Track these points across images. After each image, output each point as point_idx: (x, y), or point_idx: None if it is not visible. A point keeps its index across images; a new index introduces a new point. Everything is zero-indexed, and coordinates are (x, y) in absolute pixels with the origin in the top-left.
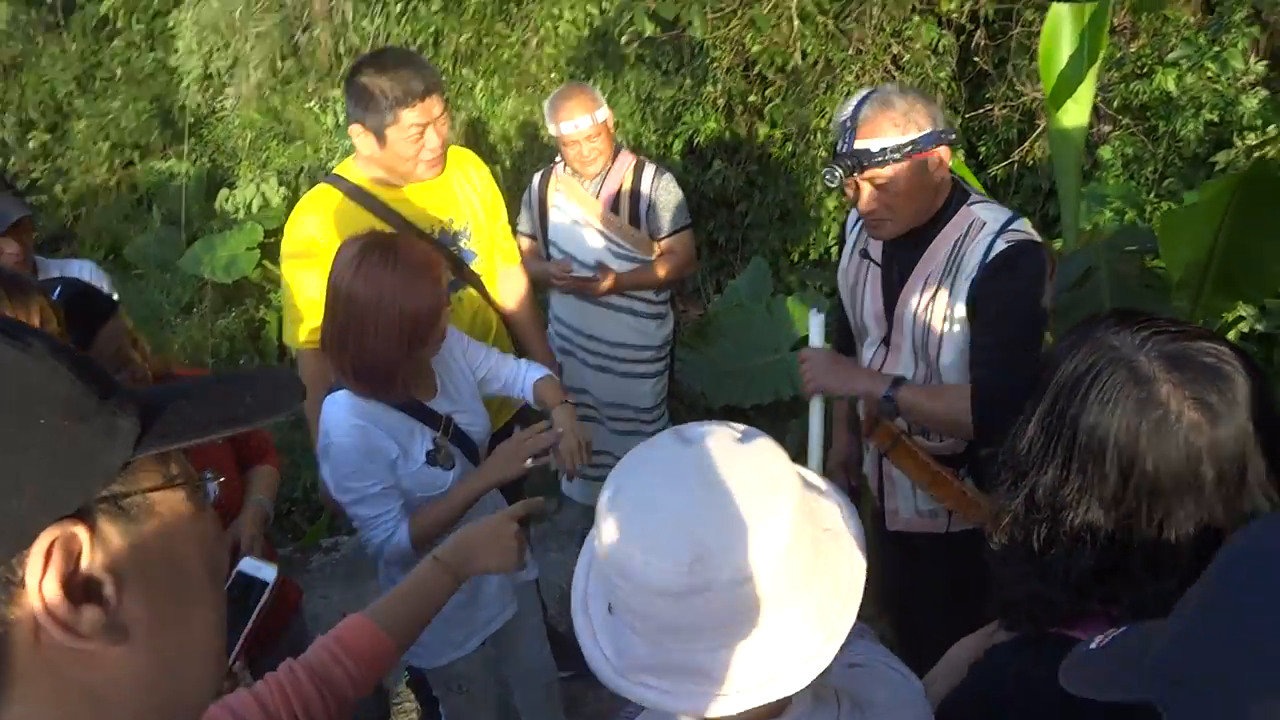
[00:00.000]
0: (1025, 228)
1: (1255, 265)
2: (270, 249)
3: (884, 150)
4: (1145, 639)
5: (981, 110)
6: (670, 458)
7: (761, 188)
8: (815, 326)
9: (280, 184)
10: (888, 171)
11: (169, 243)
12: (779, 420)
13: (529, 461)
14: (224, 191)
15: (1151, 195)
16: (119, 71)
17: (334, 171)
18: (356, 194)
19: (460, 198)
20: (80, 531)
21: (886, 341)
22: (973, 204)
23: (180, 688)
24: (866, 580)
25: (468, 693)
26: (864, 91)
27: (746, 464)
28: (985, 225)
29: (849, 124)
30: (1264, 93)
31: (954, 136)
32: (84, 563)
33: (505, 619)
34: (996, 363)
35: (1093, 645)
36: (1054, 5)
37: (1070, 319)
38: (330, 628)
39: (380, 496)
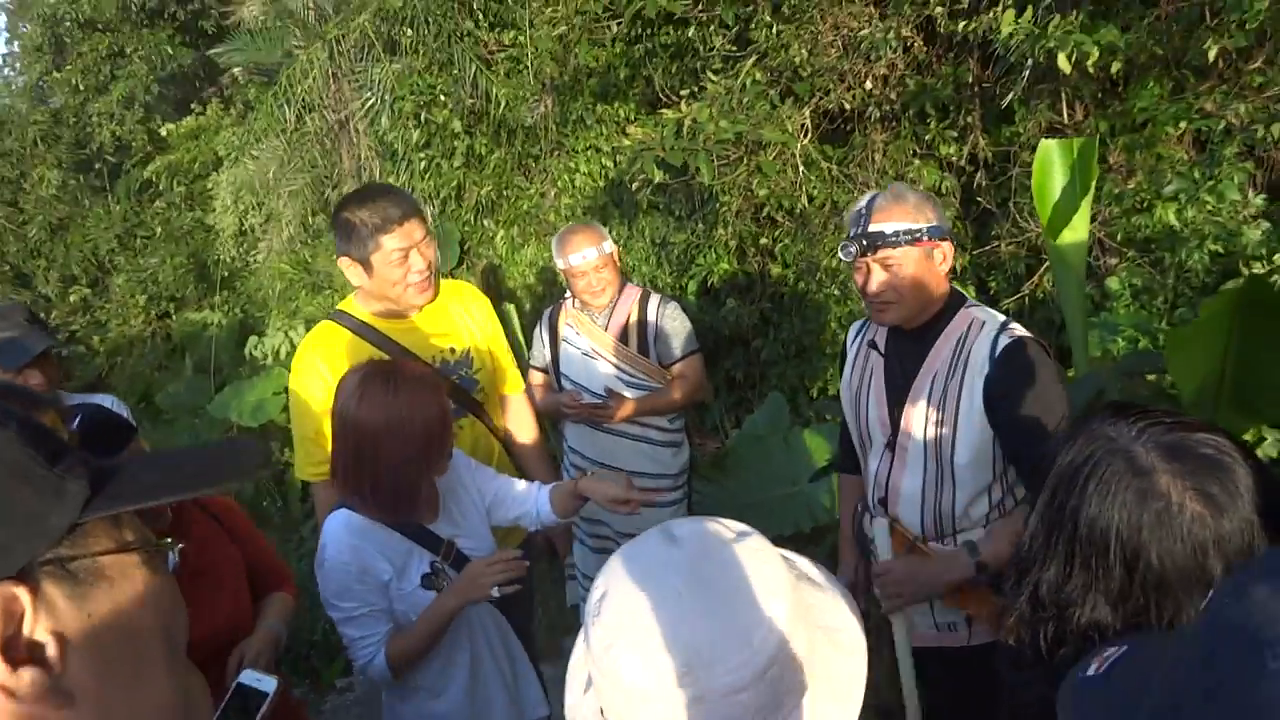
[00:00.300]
0: (1021, 328)
1: (1270, 384)
2: None
3: (896, 233)
4: (1146, 673)
5: (988, 247)
6: (658, 559)
7: (776, 325)
8: (881, 536)
9: (307, 330)
10: (898, 254)
11: (199, 389)
12: (801, 549)
13: (495, 590)
14: (253, 339)
15: (1164, 323)
16: (159, 230)
17: (338, 308)
18: (358, 328)
19: (460, 326)
20: (21, 593)
21: (891, 446)
22: (970, 307)
23: None
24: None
25: None
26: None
27: (736, 566)
28: (985, 324)
29: (864, 211)
30: (1266, 224)
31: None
32: (25, 625)
33: None
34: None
35: (1091, 671)
36: (1043, 141)
37: None
38: None
39: (368, 619)
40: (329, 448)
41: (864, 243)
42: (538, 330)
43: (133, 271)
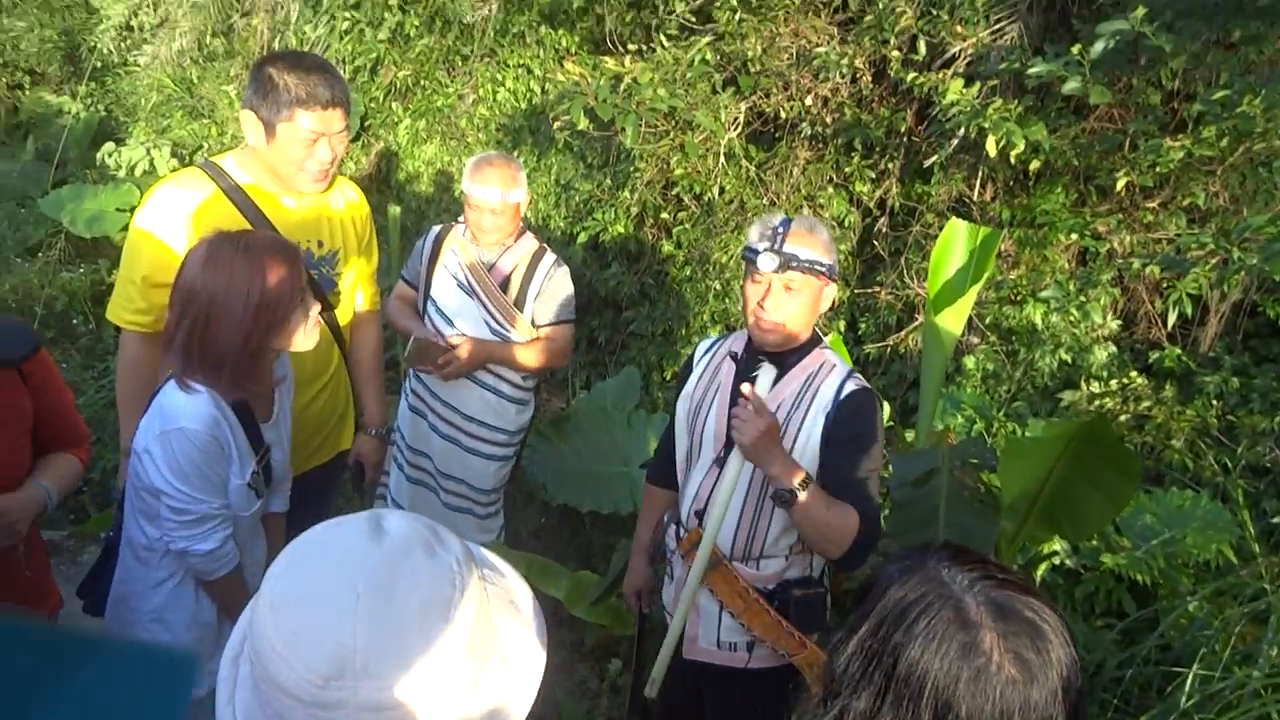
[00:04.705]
0: (863, 380)
1: (1078, 510)
2: None
3: (811, 262)
4: None
5: (870, 290)
6: (355, 550)
7: (653, 300)
8: (765, 378)
9: (174, 155)
10: (801, 280)
11: (35, 179)
12: (613, 533)
13: None
14: (109, 145)
15: (1001, 413)
16: None
17: (211, 159)
18: (230, 189)
19: (336, 225)
20: None
21: (720, 462)
22: (824, 348)
23: None
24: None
25: None
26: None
27: (427, 585)
28: (835, 368)
29: (780, 229)
30: (1113, 348)
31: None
32: None
33: None
34: (868, 497)
35: None
36: (953, 219)
37: (906, 514)
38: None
39: (218, 497)
40: (153, 299)
41: (780, 257)
42: (421, 243)
43: None
